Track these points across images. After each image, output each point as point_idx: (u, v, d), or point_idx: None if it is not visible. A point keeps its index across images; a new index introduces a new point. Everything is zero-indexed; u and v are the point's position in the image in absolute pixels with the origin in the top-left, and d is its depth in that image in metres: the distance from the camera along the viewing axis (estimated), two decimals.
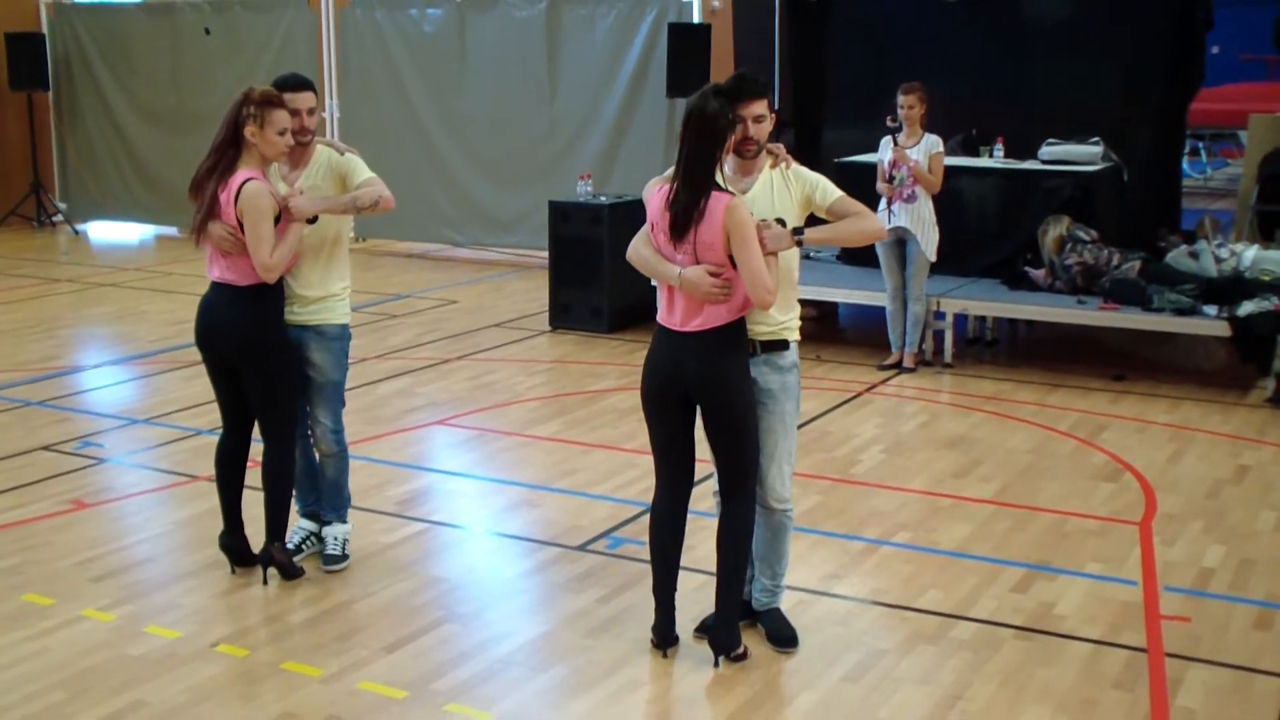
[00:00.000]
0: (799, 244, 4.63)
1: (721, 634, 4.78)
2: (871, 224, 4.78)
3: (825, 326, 10.54)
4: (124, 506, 6.51)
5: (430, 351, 9.75)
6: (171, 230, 15.58)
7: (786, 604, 5.08)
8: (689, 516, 4.88)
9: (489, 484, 6.90)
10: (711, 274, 4.48)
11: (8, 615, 5.17)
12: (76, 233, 15.86)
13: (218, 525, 5.61)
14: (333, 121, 14.17)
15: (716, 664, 4.77)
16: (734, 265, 4.48)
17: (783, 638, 4.95)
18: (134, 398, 8.63)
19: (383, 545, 5.91)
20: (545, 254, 11.05)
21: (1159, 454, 7.34)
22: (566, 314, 10.55)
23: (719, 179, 4.53)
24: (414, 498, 6.65)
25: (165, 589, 5.44)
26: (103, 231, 16.12)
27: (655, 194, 4.63)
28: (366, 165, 5.47)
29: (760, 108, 4.64)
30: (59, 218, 16.13)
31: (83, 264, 13.94)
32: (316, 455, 5.73)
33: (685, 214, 4.48)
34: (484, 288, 12.51)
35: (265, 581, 5.45)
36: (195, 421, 7.77)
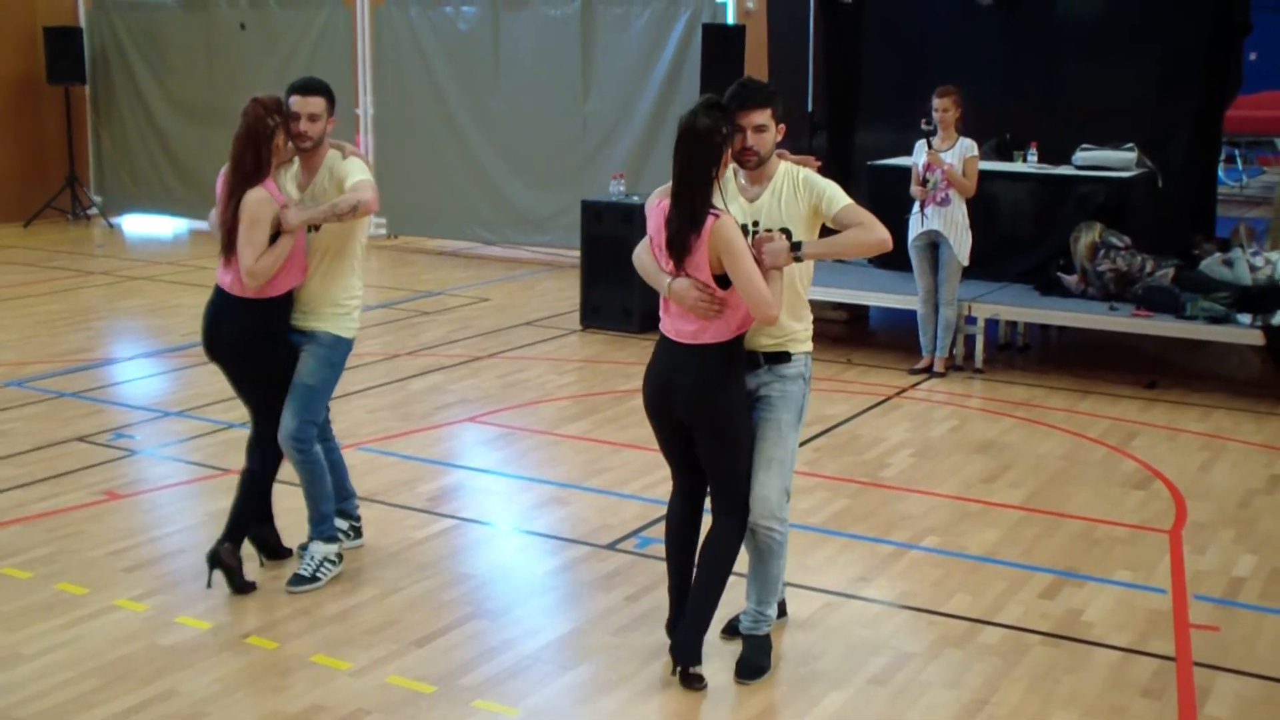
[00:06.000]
0: (797, 260, 4.47)
1: (683, 645, 4.63)
2: (871, 235, 4.47)
3: (856, 329, 10.50)
4: (156, 498, 6.56)
5: (461, 349, 9.78)
6: (205, 225, 15.59)
7: (814, 606, 5.07)
8: (705, 519, 4.83)
9: (518, 481, 6.92)
10: (698, 288, 4.42)
11: (42, 604, 5.22)
12: (111, 226, 15.97)
13: None
14: (366, 119, 14.24)
15: (674, 672, 4.65)
16: (728, 284, 4.38)
17: (747, 667, 4.71)
18: (166, 390, 8.69)
19: (412, 541, 5.94)
20: (577, 253, 11.06)
21: (1190, 462, 7.31)
22: (597, 313, 10.57)
23: (717, 196, 4.42)
24: (444, 494, 6.67)
25: (197, 580, 5.47)
26: (137, 225, 16.23)
27: (655, 209, 4.55)
28: (366, 167, 5.33)
29: (761, 117, 4.47)
30: (94, 211, 16.25)
31: (117, 257, 14.03)
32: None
33: (679, 236, 4.38)
34: (515, 286, 12.54)
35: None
36: (227, 415, 7.81)
